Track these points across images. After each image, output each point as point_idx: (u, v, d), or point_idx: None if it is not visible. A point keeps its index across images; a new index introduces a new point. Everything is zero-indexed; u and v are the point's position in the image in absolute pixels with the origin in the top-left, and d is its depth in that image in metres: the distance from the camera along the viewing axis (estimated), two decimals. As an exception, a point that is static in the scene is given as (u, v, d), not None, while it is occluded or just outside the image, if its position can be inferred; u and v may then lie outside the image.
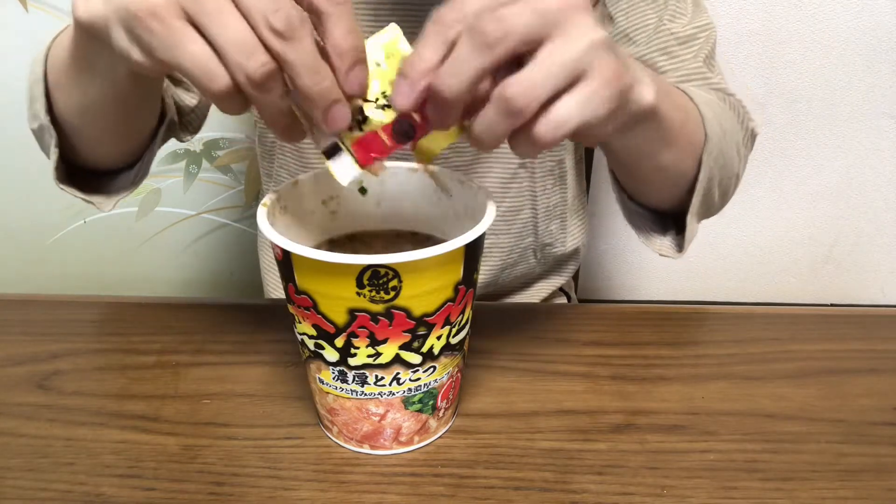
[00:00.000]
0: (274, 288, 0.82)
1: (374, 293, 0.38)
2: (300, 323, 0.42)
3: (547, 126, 0.32)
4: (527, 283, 0.79)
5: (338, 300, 0.38)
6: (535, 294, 0.79)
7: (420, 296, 0.39)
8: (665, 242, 0.53)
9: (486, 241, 0.41)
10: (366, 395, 0.42)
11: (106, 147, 0.53)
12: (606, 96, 0.33)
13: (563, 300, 0.86)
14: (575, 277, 1.24)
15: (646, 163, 0.46)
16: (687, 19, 0.57)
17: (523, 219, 0.72)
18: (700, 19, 0.58)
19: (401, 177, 0.49)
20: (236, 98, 0.33)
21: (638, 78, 0.38)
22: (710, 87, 0.55)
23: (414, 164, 0.49)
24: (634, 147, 0.45)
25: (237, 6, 0.31)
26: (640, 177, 0.51)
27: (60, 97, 0.48)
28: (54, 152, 0.50)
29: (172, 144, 1.24)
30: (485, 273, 0.72)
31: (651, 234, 0.54)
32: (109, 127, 0.50)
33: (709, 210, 0.53)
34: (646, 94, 0.38)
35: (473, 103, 0.34)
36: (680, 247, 0.52)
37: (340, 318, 0.39)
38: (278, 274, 0.43)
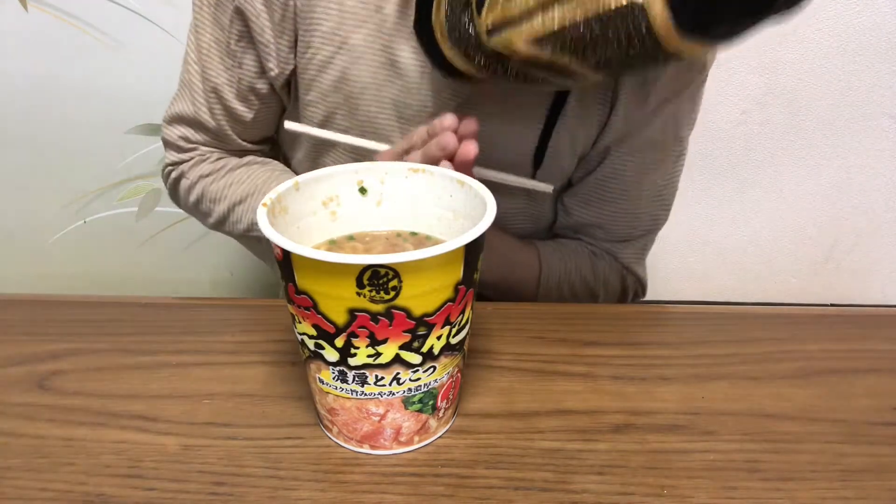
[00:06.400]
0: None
1: (374, 293, 0.38)
2: (300, 323, 0.42)
3: None
4: None
5: (338, 300, 0.38)
6: None
7: (420, 296, 0.39)
8: None
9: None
10: (366, 395, 0.42)
11: None
12: None
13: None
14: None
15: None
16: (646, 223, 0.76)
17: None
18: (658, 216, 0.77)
19: (401, 177, 0.49)
20: None
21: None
22: (615, 267, 0.78)
23: (414, 164, 0.49)
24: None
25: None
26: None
27: None
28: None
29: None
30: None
31: None
32: None
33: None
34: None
35: None
36: None
37: (340, 318, 0.39)
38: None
